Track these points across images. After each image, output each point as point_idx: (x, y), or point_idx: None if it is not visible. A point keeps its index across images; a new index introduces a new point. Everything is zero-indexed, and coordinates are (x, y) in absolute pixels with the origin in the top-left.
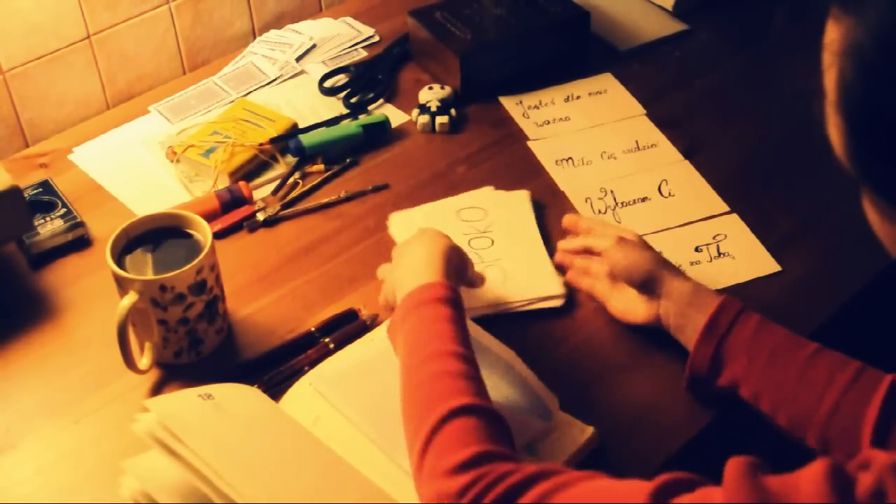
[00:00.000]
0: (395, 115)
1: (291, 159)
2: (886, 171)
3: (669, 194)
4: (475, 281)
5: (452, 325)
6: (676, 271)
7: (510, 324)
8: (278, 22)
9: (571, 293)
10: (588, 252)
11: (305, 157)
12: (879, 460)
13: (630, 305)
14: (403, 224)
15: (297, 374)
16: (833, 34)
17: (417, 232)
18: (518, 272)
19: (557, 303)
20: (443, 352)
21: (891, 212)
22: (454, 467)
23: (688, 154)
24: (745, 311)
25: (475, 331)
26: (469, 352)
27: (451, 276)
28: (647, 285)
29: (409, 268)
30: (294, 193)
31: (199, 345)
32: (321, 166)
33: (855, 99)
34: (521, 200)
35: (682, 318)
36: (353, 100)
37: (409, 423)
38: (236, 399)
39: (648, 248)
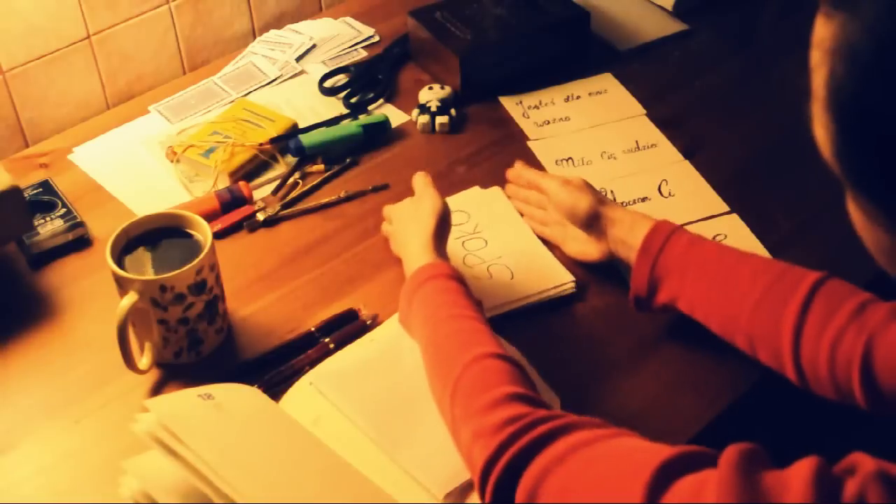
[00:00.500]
0: (395, 115)
1: (291, 159)
2: (874, 172)
3: (669, 194)
4: None
5: (458, 294)
6: (616, 206)
7: (511, 323)
8: (278, 22)
9: (580, 280)
10: (533, 188)
11: (305, 157)
12: (865, 467)
13: (584, 247)
14: None
15: (297, 374)
16: (823, 32)
17: (406, 204)
18: (523, 266)
19: (570, 289)
20: (456, 314)
21: (876, 214)
22: (488, 405)
23: (688, 154)
24: (677, 230)
25: None
26: (479, 314)
27: (440, 250)
28: (592, 223)
29: (405, 248)
30: (294, 193)
31: (199, 345)
32: (321, 166)
33: (845, 98)
34: (497, 197)
35: (625, 248)
36: (353, 100)
37: (436, 381)
38: (236, 399)
39: (590, 188)
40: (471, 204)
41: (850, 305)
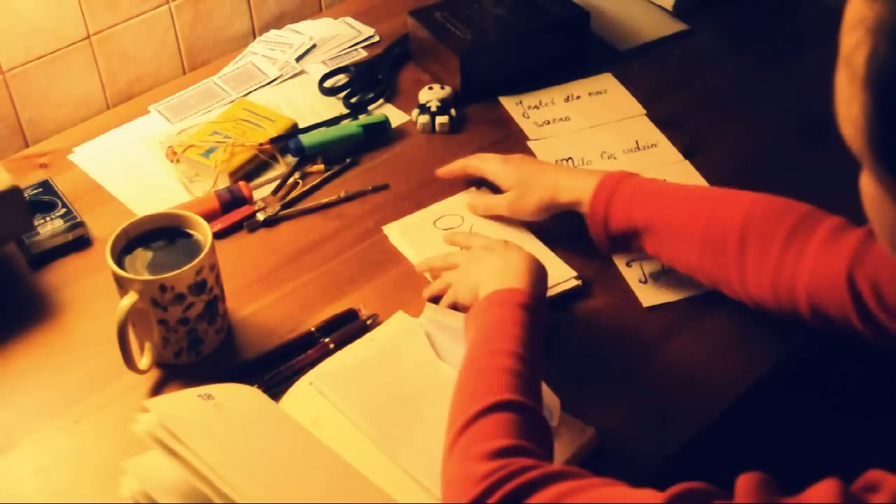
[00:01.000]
0: (395, 115)
1: (291, 159)
2: None
3: None
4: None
5: (524, 330)
6: (564, 180)
7: None
8: (278, 22)
9: (585, 276)
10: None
11: (305, 157)
12: (890, 484)
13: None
14: (397, 239)
15: (297, 374)
16: (864, 10)
17: (499, 242)
18: None
19: (573, 283)
20: (505, 350)
21: None
22: (485, 454)
23: (688, 154)
24: (627, 177)
25: None
26: (532, 357)
27: (536, 289)
28: (552, 212)
29: (499, 270)
30: (294, 193)
31: (199, 345)
32: (321, 166)
33: (890, 77)
34: None
35: (582, 217)
36: (353, 100)
37: (456, 405)
38: (236, 399)
39: (537, 178)
40: (464, 207)
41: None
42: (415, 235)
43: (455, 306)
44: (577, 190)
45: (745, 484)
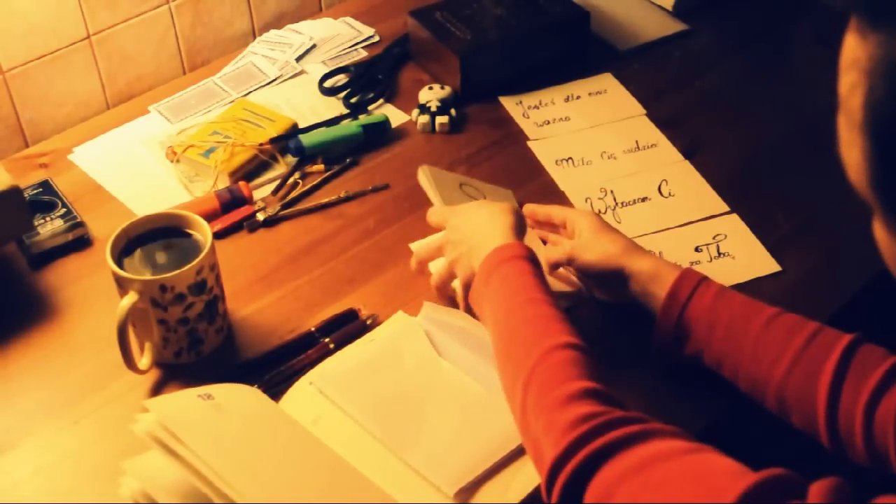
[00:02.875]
0: (395, 115)
1: (291, 159)
2: None
3: (669, 194)
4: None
5: (536, 279)
6: (637, 252)
7: None
8: (278, 22)
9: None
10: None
11: (305, 157)
12: None
13: (601, 291)
14: (427, 182)
15: (297, 374)
16: (857, 52)
17: (475, 203)
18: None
19: (575, 292)
20: (534, 299)
21: None
22: (562, 400)
23: (688, 154)
24: (704, 280)
25: (480, 329)
26: (553, 300)
27: (520, 235)
28: (612, 277)
29: (481, 234)
30: (294, 193)
31: (199, 345)
32: (321, 166)
33: (887, 120)
34: (507, 198)
35: (646, 297)
36: (353, 100)
37: (507, 367)
38: (236, 399)
39: (606, 233)
40: (489, 191)
41: (883, 368)
42: (441, 182)
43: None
44: (654, 264)
45: (819, 490)
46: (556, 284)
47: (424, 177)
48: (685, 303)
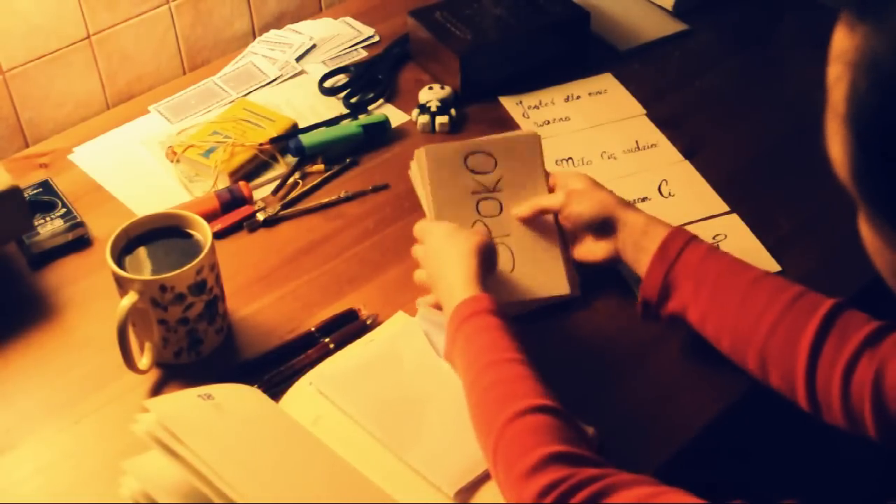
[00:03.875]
0: (395, 115)
1: (291, 159)
2: (894, 191)
3: (669, 194)
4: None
5: (501, 333)
6: (630, 207)
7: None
8: (278, 22)
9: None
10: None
11: (305, 157)
12: None
13: (589, 247)
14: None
15: (297, 374)
16: (844, 43)
17: (444, 233)
18: (527, 258)
19: (561, 298)
20: (498, 360)
21: (892, 235)
22: (527, 470)
23: (688, 154)
24: (694, 239)
25: None
26: (523, 356)
27: (483, 282)
28: (604, 226)
29: (445, 277)
30: (294, 193)
31: (199, 345)
32: (321, 166)
33: (868, 112)
34: (533, 149)
35: (637, 250)
36: (353, 100)
37: (479, 434)
38: (236, 399)
39: (599, 188)
40: (503, 150)
41: (863, 332)
42: (438, 167)
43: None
44: (646, 218)
45: None
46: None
47: (416, 167)
48: (675, 258)
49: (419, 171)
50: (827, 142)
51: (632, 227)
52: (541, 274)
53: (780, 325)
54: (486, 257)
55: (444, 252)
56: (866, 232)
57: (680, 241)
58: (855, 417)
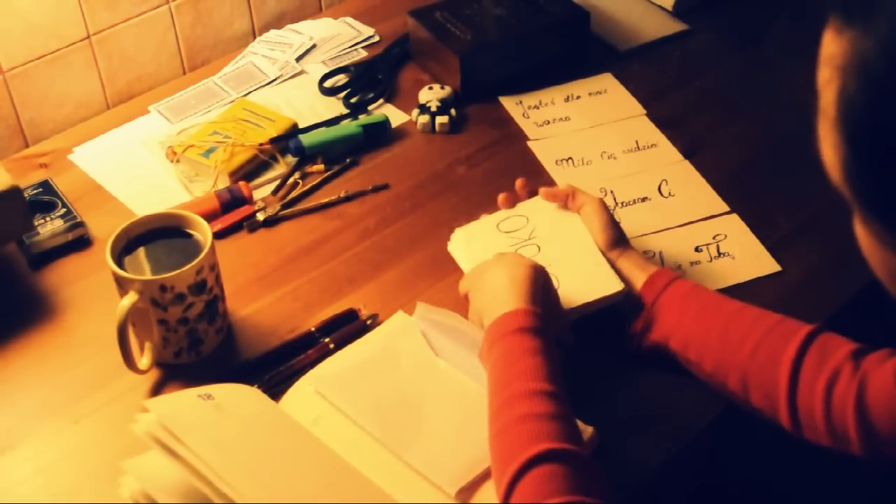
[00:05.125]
0: (395, 115)
1: (291, 159)
2: (887, 194)
3: (669, 194)
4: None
5: (536, 359)
6: (628, 243)
7: None
8: (278, 22)
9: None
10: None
11: (305, 157)
12: None
13: None
14: (460, 245)
15: (297, 374)
16: (833, 47)
17: (496, 256)
18: (571, 275)
19: (617, 298)
20: (525, 392)
21: (887, 237)
22: None
23: (688, 154)
24: (680, 277)
25: (473, 329)
26: (554, 386)
27: (537, 300)
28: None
29: (492, 294)
30: (294, 193)
31: (199, 345)
32: (321, 166)
33: (857, 115)
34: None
35: (628, 283)
36: (353, 100)
37: (494, 469)
38: (236, 399)
39: (610, 218)
40: (532, 209)
41: (844, 351)
42: (473, 242)
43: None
44: (639, 256)
45: None
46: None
47: (455, 246)
48: (660, 291)
49: (457, 249)
50: (819, 145)
51: (626, 258)
52: (589, 279)
53: (762, 346)
54: (540, 274)
55: (498, 269)
56: (861, 234)
57: (666, 277)
58: (838, 434)
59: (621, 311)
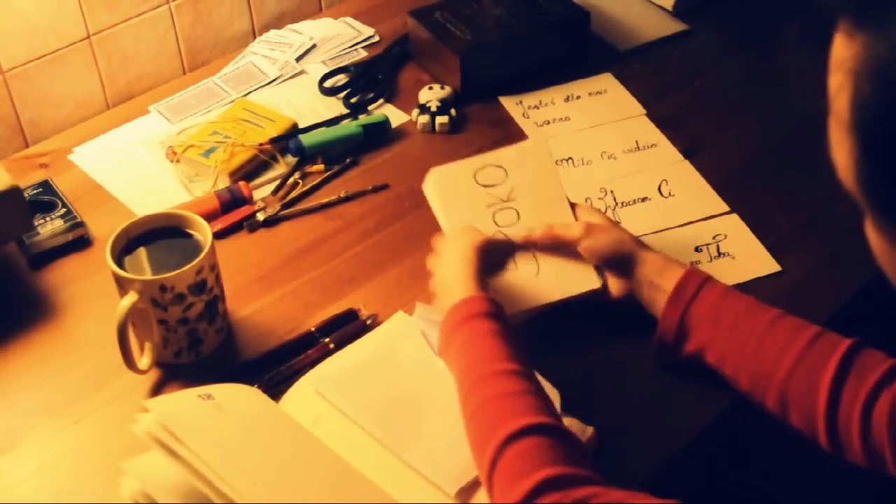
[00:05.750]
0: (395, 115)
1: (291, 159)
2: None
3: (669, 194)
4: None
5: (495, 340)
6: (646, 246)
7: None
8: (278, 22)
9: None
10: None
11: (305, 157)
12: None
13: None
14: (435, 187)
15: (297, 374)
16: (845, 52)
17: (448, 238)
18: (552, 260)
19: (593, 295)
20: (491, 372)
21: None
22: (521, 499)
23: (688, 154)
24: (709, 279)
25: None
26: (519, 365)
27: (482, 282)
28: (619, 263)
29: (443, 284)
30: (294, 193)
31: (199, 345)
32: (321, 166)
33: (872, 119)
34: (542, 155)
35: (652, 289)
36: (353, 100)
37: (474, 453)
38: (236, 399)
39: (617, 226)
40: (513, 162)
41: (880, 370)
42: (450, 189)
43: None
44: (663, 257)
45: None
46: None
47: (429, 188)
48: (690, 300)
49: (432, 192)
50: (832, 150)
51: (649, 265)
52: (569, 272)
53: (799, 366)
54: (485, 255)
55: (445, 255)
56: (874, 238)
57: (696, 282)
58: (876, 455)
59: (647, 318)
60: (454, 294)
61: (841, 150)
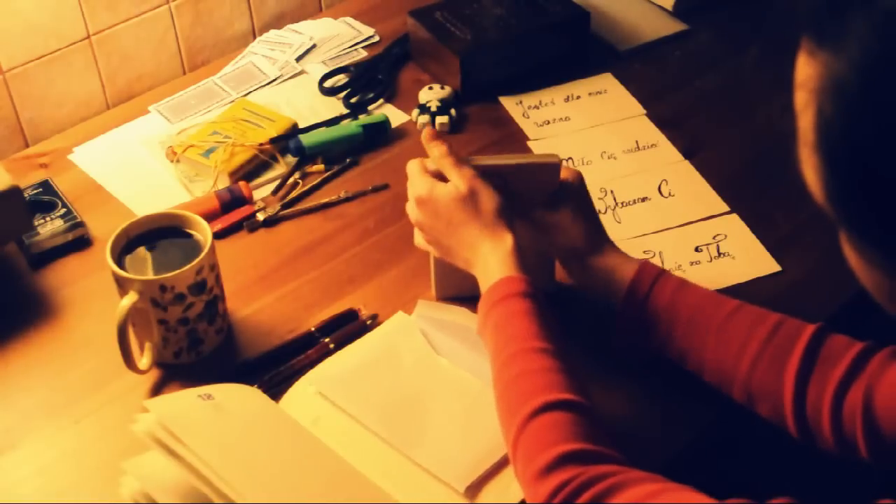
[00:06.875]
0: (395, 115)
1: (291, 159)
2: (869, 213)
3: (669, 194)
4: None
5: (530, 319)
6: (607, 238)
7: None
8: (278, 22)
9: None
10: None
11: (305, 157)
12: None
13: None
14: None
15: (297, 374)
16: (807, 71)
17: (468, 191)
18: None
19: (553, 163)
20: (523, 350)
21: (872, 255)
22: (541, 470)
23: (688, 154)
24: (662, 274)
25: (474, 323)
26: (552, 344)
27: (522, 258)
28: (577, 243)
29: (481, 258)
30: (294, 193)
31: (199, 345)
32: (321, 166)
33: (835, 136)
34: (551, 175)
35: (607, 283)
36: (353, 100)
37: (502, 426)
38: (236, 399)
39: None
40: (519, 174)
41: (848, 357)
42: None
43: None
44: (618, 253)
45: None
46: None
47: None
48: (644, 299)
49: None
50: (801, 168)
51: (607, 258)
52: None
53: (763, 355)
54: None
55: (459, 219)
56: (848, 252)
57: (649, 278)
58: (847, 442)
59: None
60: (491, 272)
61: (808, 168)
